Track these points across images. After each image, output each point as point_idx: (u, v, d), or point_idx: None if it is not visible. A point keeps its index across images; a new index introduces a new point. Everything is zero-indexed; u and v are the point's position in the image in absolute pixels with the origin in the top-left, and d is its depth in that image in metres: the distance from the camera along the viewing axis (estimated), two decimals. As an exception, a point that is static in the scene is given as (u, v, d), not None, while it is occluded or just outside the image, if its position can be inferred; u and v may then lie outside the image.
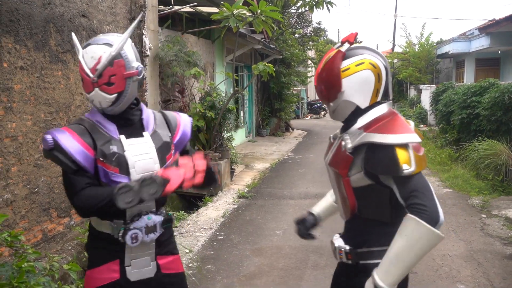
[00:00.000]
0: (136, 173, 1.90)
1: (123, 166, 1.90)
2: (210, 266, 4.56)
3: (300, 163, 11.22)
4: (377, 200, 1.89)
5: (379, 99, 1.94)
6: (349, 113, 1.97)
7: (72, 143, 1.86)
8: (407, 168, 1.73)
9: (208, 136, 8.27)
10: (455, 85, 14.51)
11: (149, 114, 2.10)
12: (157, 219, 1.96)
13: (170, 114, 2.20)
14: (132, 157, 1.92)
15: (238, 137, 12.77)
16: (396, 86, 29.34)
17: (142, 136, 1.99)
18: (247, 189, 8.24)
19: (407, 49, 26.81)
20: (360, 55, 1.92)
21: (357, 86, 1.90)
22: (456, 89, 12.70)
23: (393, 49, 31.23)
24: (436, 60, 25.05)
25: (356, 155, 1.88)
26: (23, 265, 2.17)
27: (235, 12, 6.92)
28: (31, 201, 4.31)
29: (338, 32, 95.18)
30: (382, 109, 1.93)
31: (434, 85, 18.62)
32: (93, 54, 1.92)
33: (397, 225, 1.79)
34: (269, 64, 8.03)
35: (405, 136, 1.78)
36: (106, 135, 1.93)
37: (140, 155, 1.94)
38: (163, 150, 2.01)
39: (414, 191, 1.72)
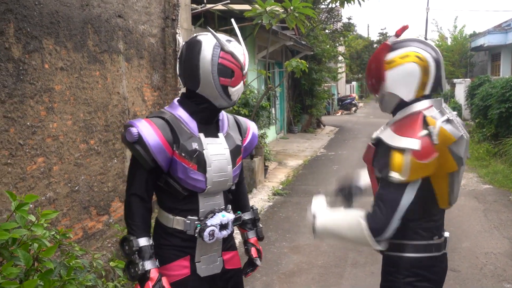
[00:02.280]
0: (212, 172, 1.95)
1: (201, 164, 1.93)
2: (248, 264, 4.55)
3: (333, 160, 11.13)
4: None
5: (427, 92, 1.87)
6: (393, 106, 1.94)
7: (154, 139, 1.87)
8: (396, 176, 1.71)
9: (241, 133, 8.27)
10: (492, 78, 14.11)
11: (224, 116, 2.15)
12: (230, 216, 2.03)
13: (241, 118, 2.28)
14: (210, 156, 1.95)
15: (270, 134, 12.75)
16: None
17: (217, 136, 2.03)
18: (281, 186, 8.21)
19: (440, 43, 26.24)
20: (406, 47, 1.88)
21: (400, 79, 1.86)
22: (493, 82, 12.35)
23: (425, 43, 30.63)
24: (470, 53, 24.43)
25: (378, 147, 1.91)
26: (71, 263, 2.20)
27: (268, 9, 6.88)
28: (72, 199, 4.39)
29: (368, 27, 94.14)
30: (421, 105, 1.86)
31: (469, 79, 18.18)
32: (240, 51, 1.99)
33: (418, 221, 1.84)
34: (302, 61, 7.97)
35: (405, 141, 1.73)
36: (187, 131, 1.94)
37: (217, 155, 1.98)
38: (234, 153, 2.07)
39: (382, 200, 1.75)
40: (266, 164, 9.15)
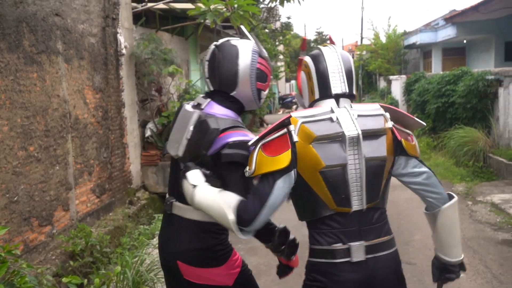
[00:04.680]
0: None
1: None
2: (204, 268, 4.41)
3: (279, 159, 11.12)
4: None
5: (316, 96, 1.90)
6: None
7: None
8: (247, 169, 1.79)
9: (187, 135, 8.09)
10: (427, 74, 14.69)
11: None
12: None
13: None
14: None
15: (215, 135, 12.66)
16: (366, 78, 29.63)
17: None
18: (231, 187, 8.07)
19: (375, 41, 27.06)
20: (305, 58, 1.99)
21: (302, 88, 2.01)
22: (429, 78, 12.85)
23: (361, 41, 31.50)
24: (403, 51, 25.35)
25: None
26: (22, 283, 1.99)
27: (212, 7, 6.75)
28: (10, 211, 4.09)
29: (305, 27, 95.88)
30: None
31: (404, 76, 18.82)
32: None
33: (312, 224, 1.84)
34: (247, 59, 7.90)
35: (257, 136, 1.83)
36: None
37: None
38: None
39: (254, 193, 1.75)
40: (213, 165, 9.00)
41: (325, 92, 1.87)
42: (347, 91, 1.87)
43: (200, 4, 6.89)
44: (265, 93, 2.12)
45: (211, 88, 2.08)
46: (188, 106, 2.10)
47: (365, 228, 1.81)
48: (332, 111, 1.81)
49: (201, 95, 2.13)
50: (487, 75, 9.35)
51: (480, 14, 15.21)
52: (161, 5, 8.02)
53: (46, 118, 4.66)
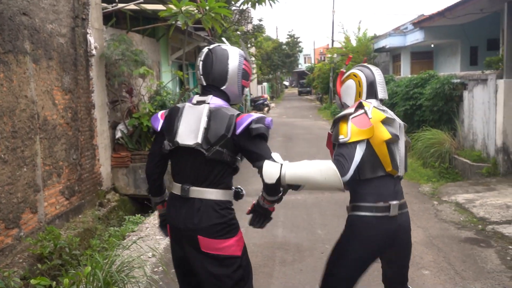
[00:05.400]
0: None
1: None
2: (175, 269, 4.40)
3: (251, 160, 11.15)
4: None
5: (363, 98, 2.63)
6: None
7: None
8: (343, 138, 2.39)
9: (159, 136, 8.04)
10: (396, 78, 14.96)
11: None
12: None
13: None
14: None
15: (186, 137, 12.55)
16: (336, 81, 29.84)
17: None
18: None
19: (345, 44, 27.37)
20: (350, 71, 2.75)
21: (345, 91, 2.75)
22: (398, 81, 13.08)
23: (332, 44, 31.81)
24: (373, 54, 25.72)
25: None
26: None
27: (183, 9, 6.76)
28: (-24, 214, 4.01)
29: (277, 29, 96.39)
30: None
31: (374, 79, 19.09)
32: None
33: (364, 184, 2.46)
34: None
35: (345, 111, 2.50)
36: None
37: None
38: None
39: (341, 155, 2.33)
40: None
41: (371, 96, 2.64)
42: (387, 97, 2.69)
43: (171, 6, 6.88)
44: (246, 90, 2.59)
45: (204, 83, 2.49)
46: (190, 104, 2.48)
47: (397, 190, 2.51)
48: (381, 107, 2.59)
49: (197, 95, 2.53)
50: (452, 78, 9.60)
51: (447, 20, 15.57)
52: (132, 6, 7.96)
53: (13, 119, 4.59)
